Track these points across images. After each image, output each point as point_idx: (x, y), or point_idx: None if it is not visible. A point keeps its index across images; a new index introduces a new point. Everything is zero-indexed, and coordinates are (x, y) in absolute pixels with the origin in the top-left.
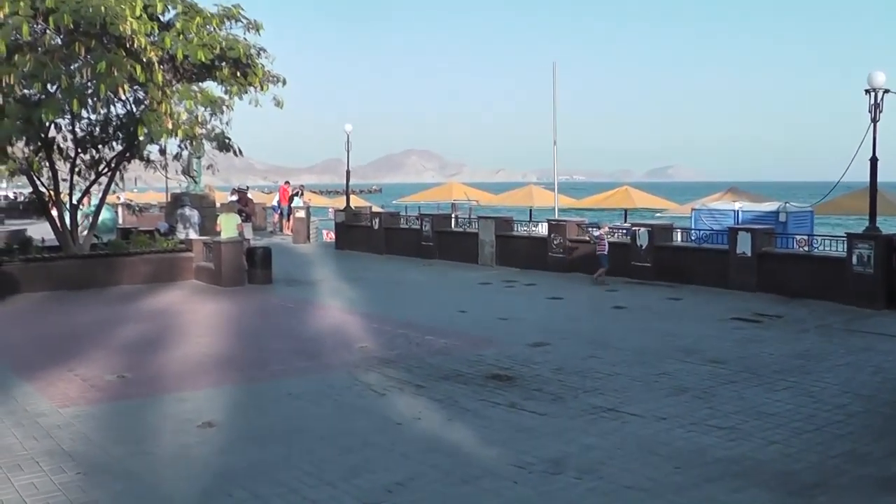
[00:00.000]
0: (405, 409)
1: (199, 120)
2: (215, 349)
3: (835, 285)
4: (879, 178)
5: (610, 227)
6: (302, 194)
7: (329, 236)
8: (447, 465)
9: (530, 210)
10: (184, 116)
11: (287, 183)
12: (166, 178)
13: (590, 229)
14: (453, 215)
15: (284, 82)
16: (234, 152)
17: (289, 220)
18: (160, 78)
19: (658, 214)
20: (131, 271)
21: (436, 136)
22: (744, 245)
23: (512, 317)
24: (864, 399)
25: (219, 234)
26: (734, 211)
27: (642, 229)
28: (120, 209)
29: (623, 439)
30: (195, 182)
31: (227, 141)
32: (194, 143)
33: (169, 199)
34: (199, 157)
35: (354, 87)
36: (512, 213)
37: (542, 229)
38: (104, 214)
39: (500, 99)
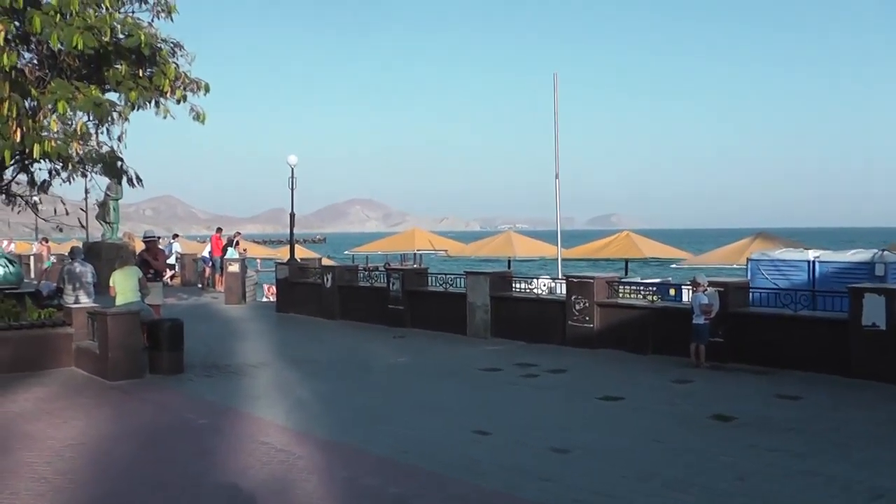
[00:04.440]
0: None
1: (80, 132)
2: None
3: None
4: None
5: (702, 285)
6: (237, 244)
7: (271, 292)
8: None
9: (509, 261)
10: (55, 127)
11: (219, 230)
12: (70, 222)
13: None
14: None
15: (207, 89)
16: (130, 180)
17: (221, 274)
18: (5, 61)
19: (674, 265)
20: None
21: (379, 184)
22: (874, 313)
23: (572, 445)
24: None
25: (114, 299)
26: (808, 262)
27: (711, 289)
28: (33, 260)
29: None
30: (111, 228)
31: (118, 164)
32: (70, 165)
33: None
34: (116, 199)
35: (298, 135)
36: (488, 266)
37: (543, 286)
38: (6, 268)
39: (444, 148)
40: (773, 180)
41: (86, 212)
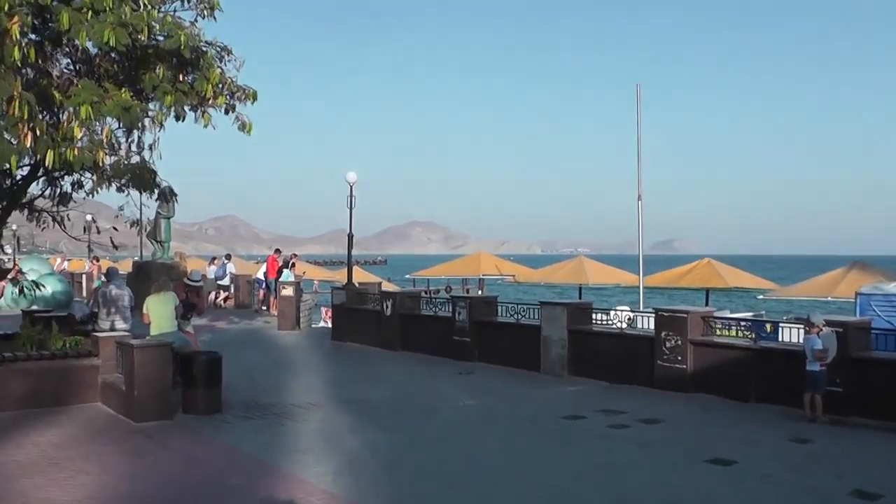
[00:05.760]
0: None
1: (107, 139)
2: None
3: None
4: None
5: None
6: (293, 266)
7: (328, 316)
8: None
9: (580, 288)
10: (78, 134)
11: (277, 251)
12: (90, 239)
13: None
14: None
15: (255, 98)
16: (165, 195)
17: (276, 297)
18: (16, 54)
19: (761, 297)
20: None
21: (439, 207)
22: None
23: None
24: None
25: (148, 327)
26: None
27: (826, 330)
28: (85, 279)
29: None
30: (162, 247)
31: (150, 176)
32: (96, 176)
33: (131, 270)
34: (168, 217)
35: (359, 156)
36: (551, 294)
37: (624, 319)
38: (55, 286)
39: (503, 170)
40: (839, 206)
41: (62, 224)
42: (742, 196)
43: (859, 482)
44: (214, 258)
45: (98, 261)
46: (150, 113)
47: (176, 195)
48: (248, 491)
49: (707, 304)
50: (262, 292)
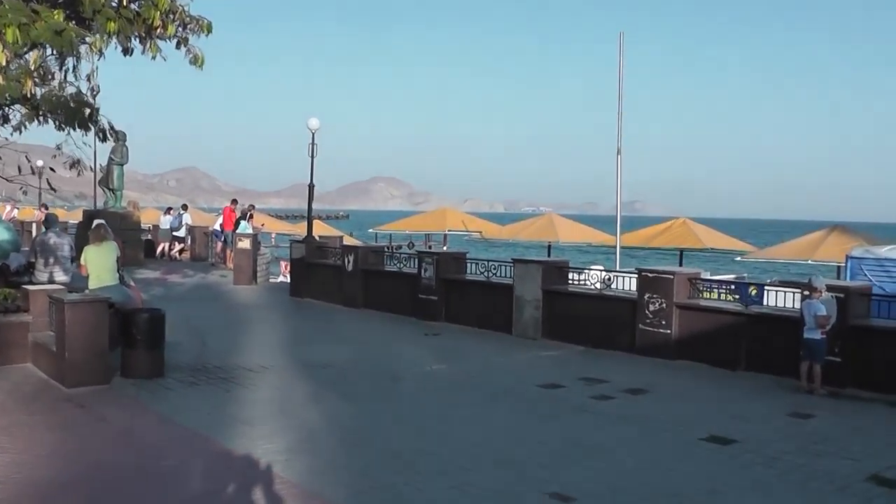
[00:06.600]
0: None
1: (35, 66)
2: None
3: None
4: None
5: (819, 290)
6: (251, 217)
7: (287, 270)
8: None
9: (549, 247)
10: (2, 59)
11: (234, 202)
12: (40, 185)
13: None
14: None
15: (209, 30)
16: (104, 133)
17: (233, 250)
18: None
19: (739, 258)
20: None
21: (403, 163)
22: None
23: None
24: None
25: (86, 280)
26: None
27: (826, 295)
28: (35, 228)
29: None
30: (114, 196)
31: (87, 110)
32: (27, 108)
33: (82, 219)
34: (121, 164)
35: (322, 110)
36: (514, 251)
37: (601, 280)
38: (2, 235)
39: (466, 127)
40: (804, 173)
41: (77, 171)
42: (702, 160)
43: (874, 466)
44: (170, 208)
45: (47, 208)
46: (87, 40)
47: (116, 133)
48: (184, 475)
49: (681, 266)
50: (218, 245)
